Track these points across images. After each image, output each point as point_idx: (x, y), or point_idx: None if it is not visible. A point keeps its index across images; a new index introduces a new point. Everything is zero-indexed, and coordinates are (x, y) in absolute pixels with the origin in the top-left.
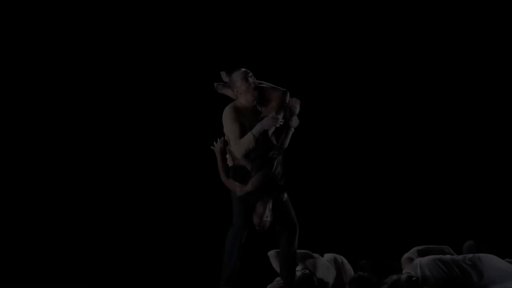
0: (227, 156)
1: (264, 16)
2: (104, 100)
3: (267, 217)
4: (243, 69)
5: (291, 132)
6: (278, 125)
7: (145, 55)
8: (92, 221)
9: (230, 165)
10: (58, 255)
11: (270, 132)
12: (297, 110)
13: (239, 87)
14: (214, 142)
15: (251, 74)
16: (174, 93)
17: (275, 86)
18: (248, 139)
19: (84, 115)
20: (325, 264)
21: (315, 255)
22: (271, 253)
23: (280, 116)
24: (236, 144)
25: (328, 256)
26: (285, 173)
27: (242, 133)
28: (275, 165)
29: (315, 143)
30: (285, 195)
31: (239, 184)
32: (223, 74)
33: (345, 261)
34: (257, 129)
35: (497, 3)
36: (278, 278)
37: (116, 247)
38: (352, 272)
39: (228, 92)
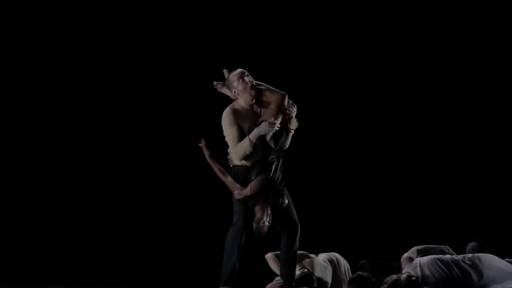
0: (228, 157)
1: (264, 17)
2: (104, 100)
3: (264, 222)
4: (239, 69)
5: (291, 134)
6: (275, 131)
7: (145, 55)
8: (93, 220)
9: (231, 166)
10: (58, 254)
11: (268, 137)
12: (294, 113)
13: (236, 87)
14: (199, 144)
15: (247, 73)
16: (174, 93)
17: (274, 88)
18: (245, 144)
19: (84, 115)
20: (322, 264)
21: (312, 255)
22: (269, 256)
23: (278, 121)
24: (234, 147)
25: (323, 256)
26: (285, 178)
27: (240, 136)
28: (273, 169)
29: (315, 143)
30: (286, 201)
31: (238, 186)
32: (226, 72)
33: (340, 257)
34: (254, 134)
35: (497, 3)
36: (278, 278)
37: (116, 247)
38: (348, 267)
39: (227, 92)
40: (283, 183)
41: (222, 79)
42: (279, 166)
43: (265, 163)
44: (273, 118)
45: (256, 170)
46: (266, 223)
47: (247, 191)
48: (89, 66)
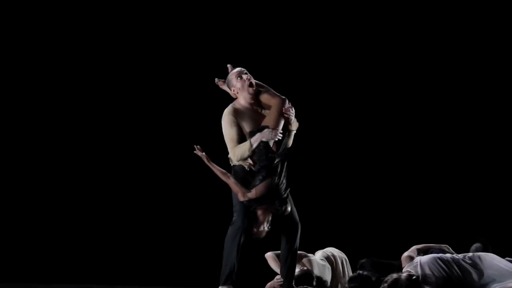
0: (228, 156)
1: (266, 17)
2: (104, 100)
3: (264, 227)
4: (238, 68)
5: (293, 134)
6: (276, 139)
7: (145, 55)
8: (93, 220)
9: (231, 165)
10: (58, 253)
11: (271, 142)
12: (292, 116)
13: (235, 85)
14: (194, 151)
15: (246, 71)
16: (174, 93)
17: (274, 91)
18: (245, 147)
19: (84, 115)
20: (321, 263)
21: (309, 255)
22: (269, 255)
23: (280, 128)
24: (232, 148)
25: (319, 254)
26: (290, 184)
27: (239, 137)
28: (278, 173)
29: (316, 143)
30: (288, 209)
31: (242, 188)
32: (230, 68)
33: (336, 252)
34: (256, 138)
35: (497, 3)
36: (278, 276)
37: (117, 246)
38: (346, 258)
39: (228, 90)
40: (288, 189)
41: (224, 77)
42: (284, 170)
43: (270, 168)
44: (277, 129)
45: (261, 174)
46: (266, 228)
47: (252, 194)
48: (89, 66)
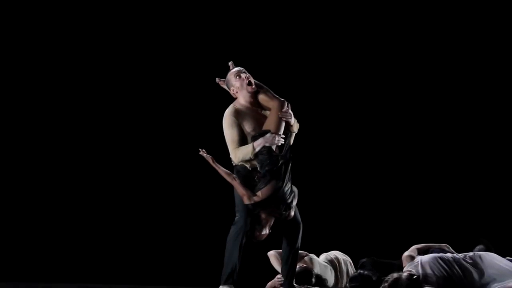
0: (231, 156)
1: (267, 17)
2: (104, 100)
3: (266, 231)
4: (237, 67)
5: (294, 134)
6: (279, 144)
7: (146, 55)
8: (96, 219)
9: (233, 164)
10: (58, 253)
11: (273, 147)
12: (290, 118)
13: (233, 85)
14: (200, 154)
15: (244, 70)
16: (174, 93)
17: (273, 93)
18: (247, 150)
19: (84, 115)
20: (322, 263)
21: (311, 255)
22: (271, 253)
23: (281, 132)
24: (234, 149)
25: (323, 257)
26: (293, 191)
27: (240, 138)
28: (282, 173)
29: (316, 142)
30: (291, 214)
31: (247, 191)
32: (231, 65)
33: (339, 255)
34: (259, 143)
35: (497, 3)
36: (278, 275)
37: (117, 246)
38: (350, 261)
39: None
40: (292, 194)
41: (225, 77)
42: (288, 172)
43: (275, 172)
44: (279, 133)
45: (266, 178)
46: (267, 232)
47: (257, 197)
48: (89, 66)
